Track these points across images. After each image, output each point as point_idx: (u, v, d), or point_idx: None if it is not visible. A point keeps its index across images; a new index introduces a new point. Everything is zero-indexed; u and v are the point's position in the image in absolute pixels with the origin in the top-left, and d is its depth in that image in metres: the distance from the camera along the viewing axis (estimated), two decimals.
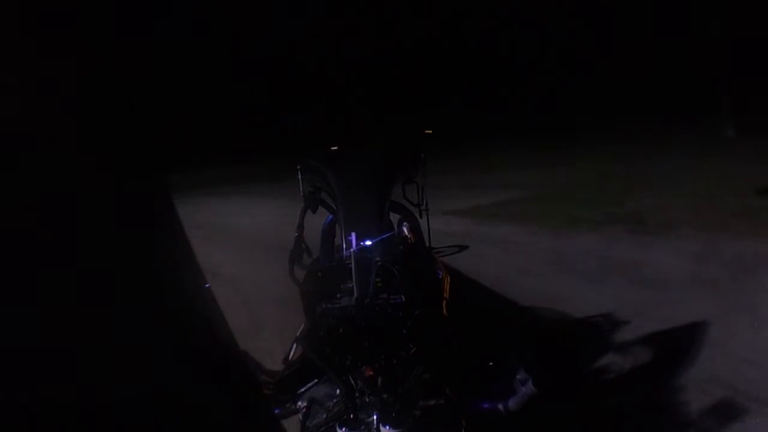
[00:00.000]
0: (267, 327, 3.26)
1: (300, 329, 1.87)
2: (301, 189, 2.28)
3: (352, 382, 1.42)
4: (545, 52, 17.20)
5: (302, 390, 1.47)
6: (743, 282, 3.43)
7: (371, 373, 1.44)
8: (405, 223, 2.34)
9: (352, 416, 1.36)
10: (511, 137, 12.34)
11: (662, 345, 2.78)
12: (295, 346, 1.85)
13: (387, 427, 1.33)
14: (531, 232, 5.19)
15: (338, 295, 1.70)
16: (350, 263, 1.63)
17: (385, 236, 1.77)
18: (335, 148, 2.33)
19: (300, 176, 2.27)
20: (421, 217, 2.37)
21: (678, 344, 2.75)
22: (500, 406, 1.46)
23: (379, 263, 1.67)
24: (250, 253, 5.33)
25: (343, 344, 1.50)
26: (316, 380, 1.46)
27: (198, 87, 16.32)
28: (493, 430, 1.66)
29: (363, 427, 1.35)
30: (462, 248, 4.85)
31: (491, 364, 1.62)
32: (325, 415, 1.45)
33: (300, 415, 1.50)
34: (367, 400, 1.41)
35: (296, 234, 2.25)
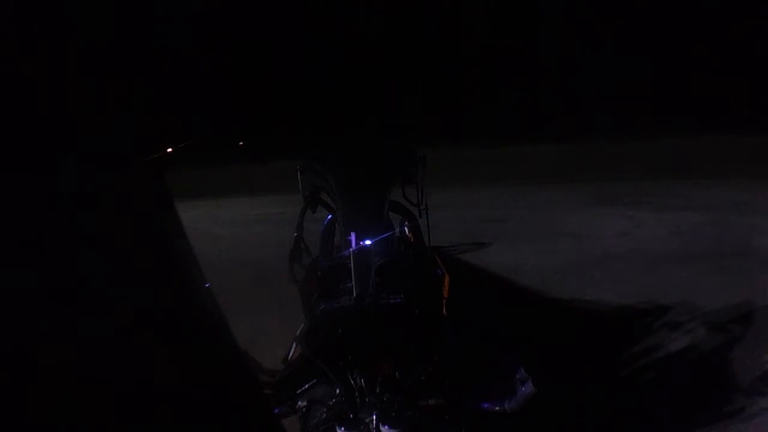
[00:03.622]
0: None
1: (300, 329, 1.87)
2: (300, 189, 2.28)
3: (352, 382, 1.42)
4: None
5: (302, 390, 1.47)
6: None
7: (371, 372, 1.43)
8: (405, 223, 2.34)
9: (352, 416, 1.36)
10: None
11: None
12: (294, 346, 1.85)
13: (387, 427, 1.33)
14: None
15: (338, 295, 1.69)
16: (350, 263, 1.62)
17: (385, 236, 1.77)
18: (335, 148, 2.33)
19: (300, 176, 2.27)
20: (420, 217, 2.37)
21: None
22: (500, 406, 1.46)
23: (379, 263, 1.67)
24: None
25: (343, 344, 1.49)
26: (315, 380, 1.46)
27: (197, 87, 16.30)
28: (493, 430, 1.66)
29: (363, 427, 1.35)
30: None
31: (491, 363, 1.61)
32: (325, 415, 1.45)
33: (300, 415, 1.50)
34: (367, 400, 1.41)
35: (295, 234, 2.25)
